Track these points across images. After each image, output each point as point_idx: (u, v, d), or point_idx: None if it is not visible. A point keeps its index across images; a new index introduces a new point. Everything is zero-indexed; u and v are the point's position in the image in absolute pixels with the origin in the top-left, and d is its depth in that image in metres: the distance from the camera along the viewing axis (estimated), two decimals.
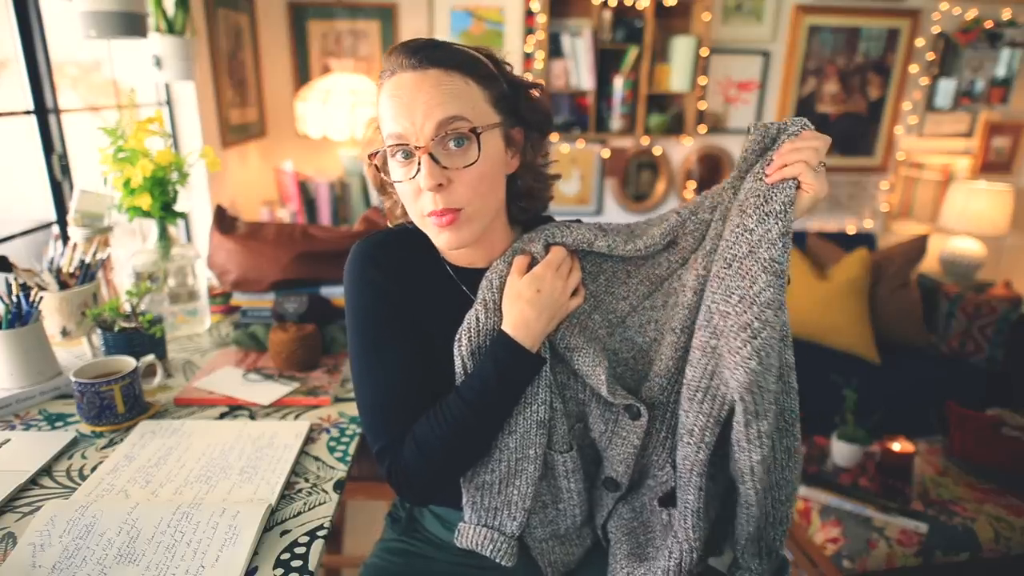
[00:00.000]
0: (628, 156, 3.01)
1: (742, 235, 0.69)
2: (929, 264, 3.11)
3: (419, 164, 0.72)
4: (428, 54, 0.72)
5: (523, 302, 0.78)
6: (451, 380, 0.82)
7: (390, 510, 1.05)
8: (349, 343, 0.84)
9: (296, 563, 0.74)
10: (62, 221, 1.59)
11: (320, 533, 0.79)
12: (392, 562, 0.93)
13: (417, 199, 0.75)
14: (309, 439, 1.00)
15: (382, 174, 0.81)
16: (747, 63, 2.93)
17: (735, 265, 0.69)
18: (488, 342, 0.80)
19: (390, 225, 0.91)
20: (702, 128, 2.96)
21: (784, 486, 0.76)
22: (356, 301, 0.83)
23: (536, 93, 0.83)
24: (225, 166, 2.31)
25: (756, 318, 0.66)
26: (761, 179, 0.71)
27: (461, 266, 0.86)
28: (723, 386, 0.70)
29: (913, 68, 2.98)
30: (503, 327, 0.79)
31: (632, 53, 2.74)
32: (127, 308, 1.22)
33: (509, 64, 0.82)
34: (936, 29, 2.93)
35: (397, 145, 0.74)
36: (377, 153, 0.79)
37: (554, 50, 2.76)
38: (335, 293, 1.37)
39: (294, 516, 0.82)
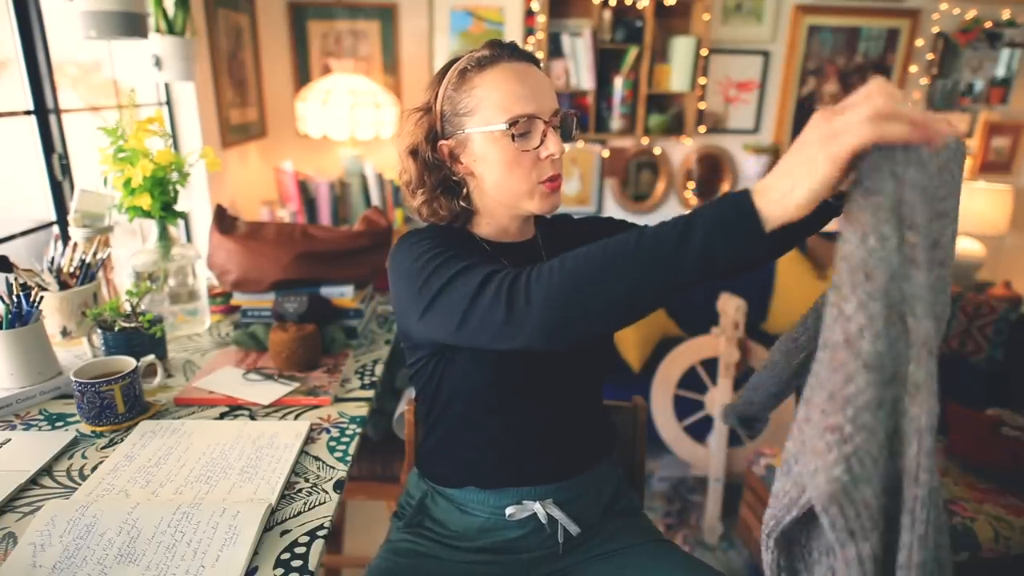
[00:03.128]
0: (628, 156, 3.01)
1: (837, 319, 0.53)
2: None
3: (544, 137, 0.84)
4: (523, 52, 0.87)
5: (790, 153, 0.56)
6: (495, 354, 0.84)
7: (396, 510, 1.05)
8: (408, 279, 0.81)
9: (296, 563, 0.74)
10: (62, 221, 1.59)
11: (320, 533, 0.79)
12: (397, 563, 0.93)
13: (533, 168, 0.85)
14: (309, 439, 1.00)
15: (446, 160, 0.88)
16: (747, 63, 2.93)
17: (828, 352, 0.54)
18: None
19: (419, 220, 0.94)
20: (702, 128, 2.96)
21: None
22: (416, 248, 0.83)
23: None
24: (225, 166, 2.31)
25: (849, 422, 0.51)
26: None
27: (496, 240, 0.94)
28: (802, 479, 0.55)
29: (913, 68, 2.98)
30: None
31: (632, 53, 2.74)
32: (127, 308, 1.22)
33: None
34: (936, 29, 2.93)
35: (530, 120, 0.83)
36: (443, 139, 0.87)
37: (554, 50, 2.76)
38: (335, 293, 1.37)
39: (294, 516, 0.83)
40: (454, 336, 0.75)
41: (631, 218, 3.10)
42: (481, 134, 0.84)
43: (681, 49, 2.76)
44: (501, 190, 0.87)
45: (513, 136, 0.83)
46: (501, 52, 0.85)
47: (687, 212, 0.62)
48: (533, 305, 0.65)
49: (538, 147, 0.85)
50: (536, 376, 0.91)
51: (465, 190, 0.90)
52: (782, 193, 0.55)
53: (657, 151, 3.02)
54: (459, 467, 0.96)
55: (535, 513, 0.93)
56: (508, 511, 0.93)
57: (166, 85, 2.05)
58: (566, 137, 0.89)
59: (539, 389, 0.92)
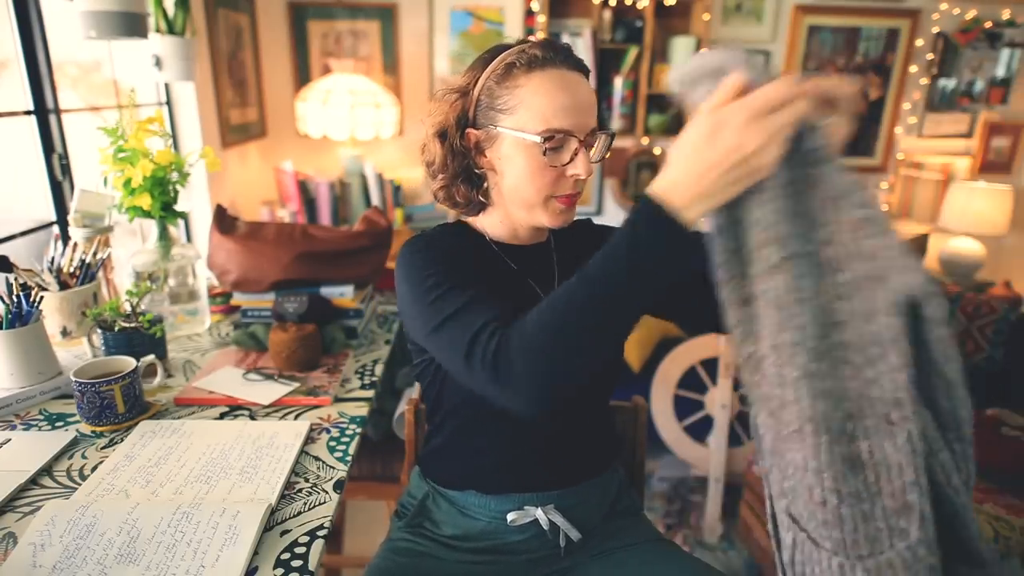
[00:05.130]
0: (628, 156, 3.01)
1: None
2: (929, 264, 3.10)
3: (575, 155, 0.82)
4: (577, 60, 0.83)
5: (689, 144, 0.60)
6: None
7: (396, 508, 1.05)
8: (414, 297, 0.81)
9: (296, 563, 0.74)
10: (62, 221, 1.59)
11: (320, 533, 0.79)
12: (397, 562, 0.93)
13: (555, 183, 0.83)
14: (309, 439, 1.00)
15: (471, 148, 0.85)
16: None
17: None
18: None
19: (435, 200, 0.93)
20: None
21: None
22: (421, 262, 0.83)
23: None
24: (225, 166, 2.31)
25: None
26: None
27: (506, 242, 0.93)
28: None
29: (913, 68, 2.98)
30: (654, 182, 0.63)
31: (632, 53, 2.74)
32: (127, 308, 1.22)
33: None
34: (936, 29, 2.92)
35: (564, 136, 0.81)
36: (473, 127, 0.85)
37: None
38: (335, 293, 1.37)
39: (294, 516, 0.83)
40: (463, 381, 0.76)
41: None
42: (512, 136, 0.82)
43: (681, 49, 2.75)
44: (517, 195, 0.85)
45: (545, 151, 0.80)
46: (554, 56, 0.81)
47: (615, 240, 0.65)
48: (519, 380, 0.67)
49: (566, 164, 0.82)
50: None
51: (485, 184, 0.89)
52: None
53: (657, 151, 3.02)
54: (461, 470, 0.96)
55: (536, 519, 0.93)
56: (509, 517, 0.93)
57: (166, 85, 2.05)
58: (598, 155, 0.86)
59: None
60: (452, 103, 0.85)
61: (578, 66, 0.83)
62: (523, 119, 0.81)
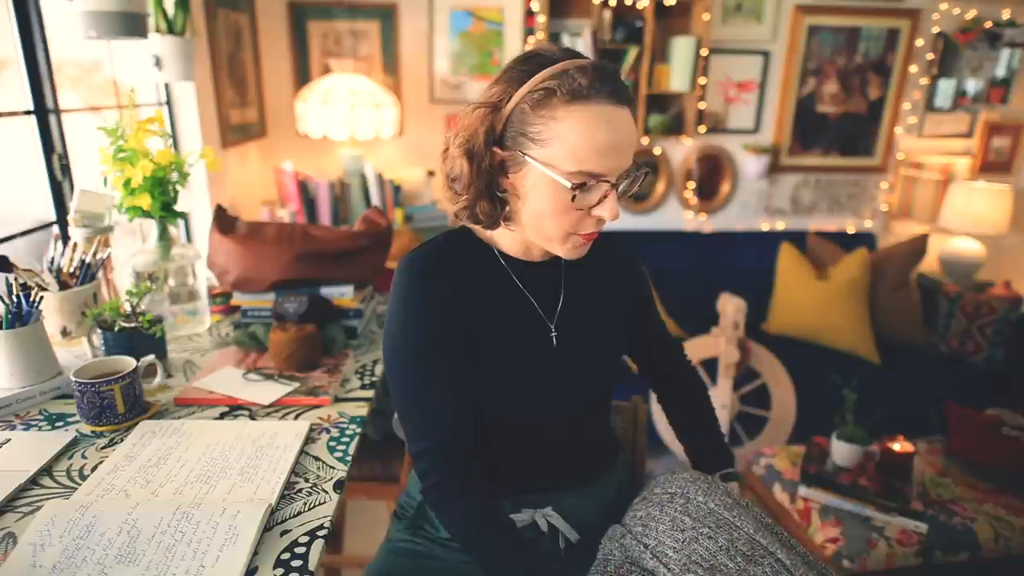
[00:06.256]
0: None
1: None
2: (929, 264, 3.11)
3: (604, 197, 0.79)
4: (623, 91, 0.78)
5: None
6: (502, 381, 0.86)
7: (396, 510, 1.05)
8: (393, 349, 0.86)
9: (296, 563, 0.74)
10: (62, 221, 1.59)
11: (320, 533, 0.80)
12: (397, 563, 0.93)
13: (579, 221, 0.81)
14: (309, 439, 1.00)
15: (496, 167, 0.81)
16: (747, 63, 2.93)
17: None
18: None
19: (452, 212, 0.88)
20: (702, 128, 2.96)
21: None
22: (409, 311, 0.85)
23: None
24: (225, 166, 2.31)
25: None
26: None
27: (517, 258, 0.91)
28: None
29: (913, 68, 2.98)
30: None
31: (632, 53, 2.74)
32: (127, 308, 1.22)
33: None
34: (936, 29, 2.93)
35: (595, 179, 0.78)
36: (499, 147, 0.80)
37: None
38: (335, 293, 1.37)
39: (294, 516, 0.83)
40: None
41: (631, 219, 3.11)
42: (541, 169, 0.78)
43: (681, 49, 2.76)
44: (536, 224, 0.82)
45: (573, 196, 0.77)
46: (600, 89, 0.75)
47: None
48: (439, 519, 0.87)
49: (593, 206, 0.80)
50: (540, 390, 0.89)
51: (507, 207, 0.85)
52: None
53: (657, 151, 3.02)
54: None
55: (535, 521, 0.93)
56: None
57: (166, 85, 2.05)
58: (629, 191, 0.84)
59: (542, 403, 0.90)
60: (482, 118, 0.80)
61: (623, 98, 0.78)
62: (555, 154, 0.76)
